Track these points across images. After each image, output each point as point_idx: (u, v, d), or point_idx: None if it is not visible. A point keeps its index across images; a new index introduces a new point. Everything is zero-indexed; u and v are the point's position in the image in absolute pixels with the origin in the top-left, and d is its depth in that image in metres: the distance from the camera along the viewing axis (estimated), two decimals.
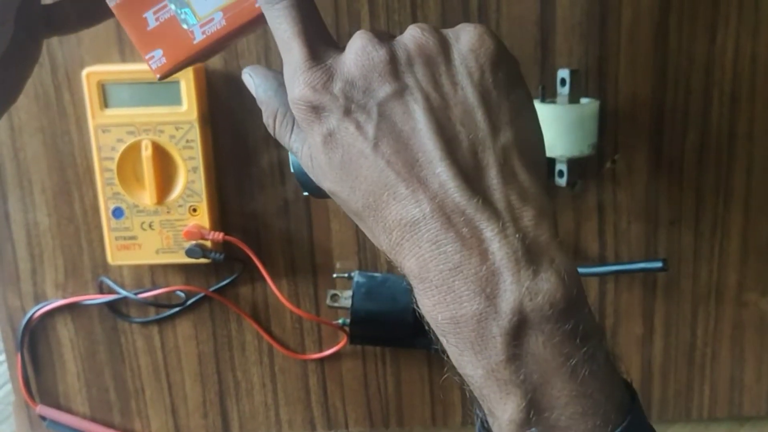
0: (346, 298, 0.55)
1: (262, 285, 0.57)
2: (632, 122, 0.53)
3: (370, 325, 0.54)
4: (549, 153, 0.51)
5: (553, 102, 0.51)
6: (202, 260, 0.54)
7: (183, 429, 0.61)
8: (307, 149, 0.31)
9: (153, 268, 0.56)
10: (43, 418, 0.59)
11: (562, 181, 0.52)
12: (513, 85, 0.30)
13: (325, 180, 0.30)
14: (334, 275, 0.57)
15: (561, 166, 0.52)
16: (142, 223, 0.54)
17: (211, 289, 0.57)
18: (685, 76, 0.53)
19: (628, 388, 0.29)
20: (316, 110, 0.29)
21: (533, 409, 0.27)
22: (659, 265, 0.49)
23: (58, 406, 0.60)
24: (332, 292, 0.56)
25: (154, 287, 0.57)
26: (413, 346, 0.56)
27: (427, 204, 0.27)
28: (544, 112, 0.51)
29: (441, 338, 0.28)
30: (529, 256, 0.26)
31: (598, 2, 0.51)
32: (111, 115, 0.51)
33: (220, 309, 0.58)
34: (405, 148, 0.28)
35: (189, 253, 0.53)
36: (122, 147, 0.52)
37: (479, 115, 0.29)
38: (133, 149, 0.52)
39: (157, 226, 0.54)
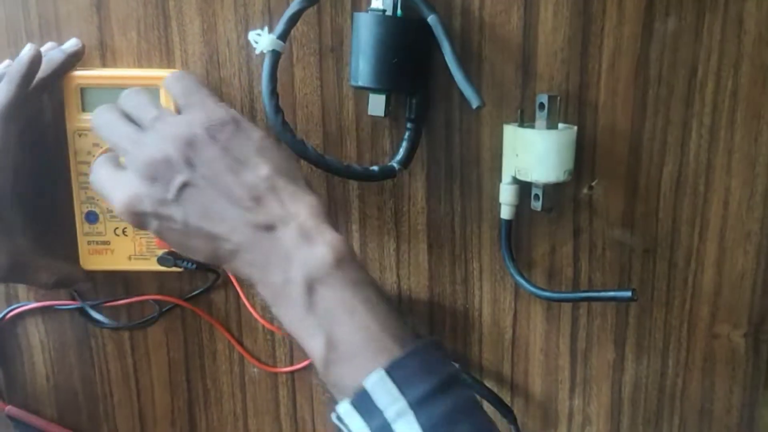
0: None
1: (236, 296, 0.57)
2: (611, 150, 0.53)
3: None
4: (524, 177, 0.51)
5: (531, 126, 0.51)
6: (174, 269, 0.54)
7: None
8: None
9: (127, 274, 0.56)
10: (11, 419, 0.59)
11: (537, 206, 0.52)
12: (246, 135, 0.42)
13: None
14: None
15: (537, 191, 0.52)
16: (116, 228, 0.53)
17: (184, 297, 0.57)
18: (665, 106, 0.53)
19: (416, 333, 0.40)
20: None
21: (331, 345, 0.38)
22: (628, 294, 0.49)
23: (25, 408, 0.59)
24: None
25: (128, 294, 0.57)
26: None
27: (241, 236, 0.40)
28: (521, 136, 0.51)
29: (272, 309, 0.40)
30: (306, 238, 0.39)
31: (580, 29, 0.51)
32: (88, 119, 0.51)
33: (192, 317, 0.58)
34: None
35: (161, 261, 0.53)
36: (98, 151, 0.52)
37: (242, 169, 0.41)
38: None
39: (131, 232, 0.53)
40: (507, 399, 0.58)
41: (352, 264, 0.39)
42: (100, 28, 0.53)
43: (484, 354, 0.58)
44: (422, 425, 0.35)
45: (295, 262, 0.38)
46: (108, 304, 0.56)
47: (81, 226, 0.53)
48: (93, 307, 0.56)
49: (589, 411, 0.59)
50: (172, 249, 0.49)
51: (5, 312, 0.57)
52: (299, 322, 0.39)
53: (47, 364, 0.59)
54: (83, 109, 0.51)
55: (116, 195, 0.42)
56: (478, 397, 0.39)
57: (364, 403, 0.36)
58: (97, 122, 0.45)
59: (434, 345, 0.39)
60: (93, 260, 0.54)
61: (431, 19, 0.48)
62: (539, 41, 0.52)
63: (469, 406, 0.38)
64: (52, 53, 0.51)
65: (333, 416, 0.39)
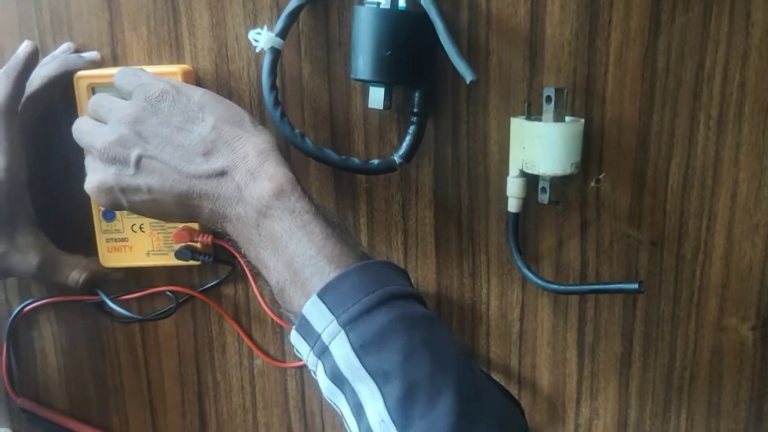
0: None
1: (246, 290, 0.57)
2: (618, 143, 0.53)
3: None
4: (532, 170, 0.51)
5: (538, 119, 0.51)
6: (192, 262, 0.54)
7: (161, 427, 0.61)
8: None
9: (138, 269, 0.57)
10: (24, 411, 0.60)
11: (544, 198, 0.52)
12: (186, 97, 0.45)
13: None
14: None
15: (544, 184, 0.52)
16: (133, 225, 0.54)
17: (198, 290, 0.57)
18: (673, 98, 0.53)
19: (358, 254, 0.41)
20: None
21: (277, 274, 0.40)
22: (635, 287, 0.49)
23: (37, 400, 0.60)
24: None
25: (139, 287, 0.57)
26: None
27: (200, 189, 0.43)
28: (528, 129, 0.51)
29: (240, 244, 0.43)
30: (253, 175, 0.42)
31: (588, 21, 0.52)
32: None
33: (202, 310, 0.58)
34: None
35: (178, 255, 0.54)
36: None
37: (189, 128, 0.44)
38: None
39: (147, 228, 0.54)
40: (515, 392, 0.58)
41: (292, 194, 0.41)
42: (110, 23, 0.53)
43: (491, 347, 0.58)
44: (352, 344, 0.37)
45: (244, 200, 0.41)
46: (125, 297, 0.56)
47: (99, 224, 0.54)
48: (109, 301, 0.56)
49: (596, 404, 0.59)
50: (148, 217, 0.49)
51: (21, 307, 0.57)
52: (257, 257, 0.42)
53: (59, 357, 0.60)
54: None
55: (88, 184, 0.45)
56: (431, 314, 0.39)
57: (304, 328, 0.38)
58: (74, 131, 0.48)
59: (381, 264, 0.40)
60: (112, 257, 0.55)
61: (424, 0, 0.48)
62: (546, 34, 0.52)
63: (410, 321, 0.38)
64: (71, 56, 0.52)
65: (293, 348, 0.41)
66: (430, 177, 0.55)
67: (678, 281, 0.56)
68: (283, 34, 0.51)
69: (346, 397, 0.38)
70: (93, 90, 0.51)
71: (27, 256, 0.51)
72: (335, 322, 0.37)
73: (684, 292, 0.56)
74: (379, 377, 0.36)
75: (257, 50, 0.50)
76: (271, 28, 0.50)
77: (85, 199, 0.53)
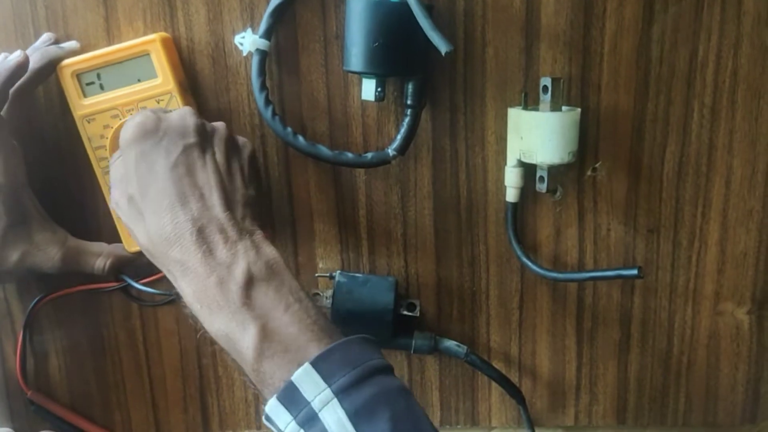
0: (327, 297, 0.55)
1: None
2: (613, 131, 0.54)
3: (350, 324, 0.54)
4: (529, 160, 0.51)
5: (535, 109, 0.52)
6: None
7: (163, 423, 0.61)
8: None
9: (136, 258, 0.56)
10: (32, 403, 0.59)
11: (542, 187, 0.53)
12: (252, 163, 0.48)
13: None
14: (317, 275, 0.57)
15: (541, 173, 0.53)
16: None
17: None
18: (667, 87, 0.53)
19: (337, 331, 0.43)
20: None
21: (265, 336, 0.40)
22: (635, 272, 0.49)
23: (42, 394, 0.60)
24: (314, 291, 0.56)
25: (140, 275, 0.57)
26: (393, 346, 0.57)
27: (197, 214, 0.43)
28: (525, 119, 0.51)
29: (195, 305, 0.42)
30: (245, 246, 0.42)
31: (582, 11, 0.52)
32: (91, 103, 0.52)
33: None
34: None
35: None
36: (110, 132, 0.52)
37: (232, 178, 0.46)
38: None
39: None
40: (515, 380, 0.59)
41: (285, 272, 0.43)
42: (106, 18, 0.53)
43: (491, 336, 0.59)
44: (346, 410, 0.38)
45: (229, 266, 0.42)
46: (146, 280, 0.56)
47: (115, 211, 0.53)
48: (127, 287, 0.57)
49: (595, 390, 0.60)
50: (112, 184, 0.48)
51: (36, 301, 0.57)
52: (231, 316, 0.41)
53: (59, 355, 0.59)
54: (84, 95, 0.52)
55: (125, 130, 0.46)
56: (405, 386, 0.42)
57: (290, 396, 0.39)
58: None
59: (362, 339, 0.42)
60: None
61: None
62: (542, 24, 0.52)
63: (392, 393, 0.40)
64: (51, 47, 0.52)
65: (263, 418, 0.41)
66: (428, 168, 0.55)
67: (674, 267, 0.57)
68: (267, 35, 0.51)
69: None
70: (78, 77, 0.51)
71: (49, 253, 0.52)
72: (328, 389, 0.38)
73: (680, 279, 0.57)
74: None
75: (244, 54, 0.51)
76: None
77: (96, 188, 0.54)
